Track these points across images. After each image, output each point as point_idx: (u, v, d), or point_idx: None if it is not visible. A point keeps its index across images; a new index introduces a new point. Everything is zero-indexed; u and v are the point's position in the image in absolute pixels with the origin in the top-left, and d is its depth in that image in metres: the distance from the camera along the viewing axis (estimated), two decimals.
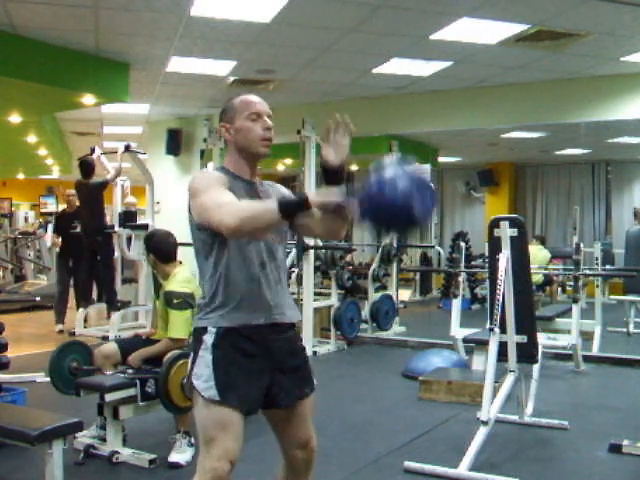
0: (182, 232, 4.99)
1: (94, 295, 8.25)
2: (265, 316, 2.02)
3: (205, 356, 1.98)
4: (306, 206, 1.79)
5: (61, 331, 7.82)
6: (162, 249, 3.83)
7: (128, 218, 7.94)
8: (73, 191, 7.99)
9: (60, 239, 8.18)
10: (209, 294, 2.02)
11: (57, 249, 8.56)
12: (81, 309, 7.68)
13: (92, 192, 7.48)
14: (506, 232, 3.70)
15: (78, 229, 7.88)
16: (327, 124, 2.02)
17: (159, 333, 3.89)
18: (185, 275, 3.79)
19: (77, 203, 7.92)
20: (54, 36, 5.59)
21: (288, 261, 6.79)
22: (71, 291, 8.16)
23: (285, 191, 2.20)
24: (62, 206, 14.55)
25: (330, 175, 1.98)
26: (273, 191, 2.16)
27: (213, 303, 2.01)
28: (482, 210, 13.32)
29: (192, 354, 2.04)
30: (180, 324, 3.64)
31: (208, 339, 1.99)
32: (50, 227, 11.85)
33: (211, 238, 1.98)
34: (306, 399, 2.13)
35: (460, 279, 6.10)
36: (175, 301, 3.65)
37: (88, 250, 7.65)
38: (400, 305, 8.75)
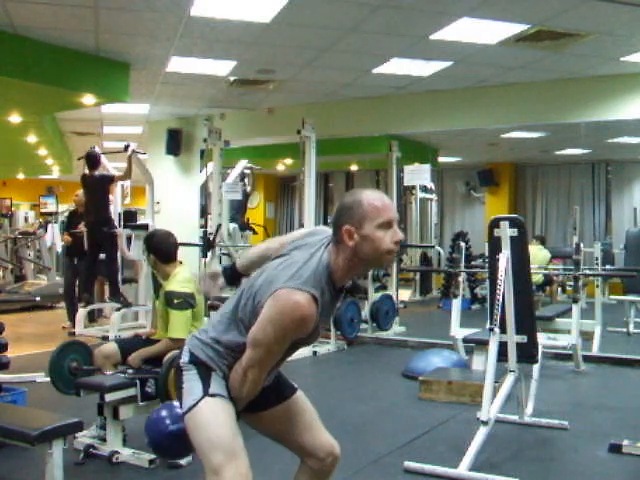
0: (182, 232, 5.02)
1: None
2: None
3: (190, 375, 1.94)
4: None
5: (64, 327, 7.87)
6: (162, 249, 3.83)
7: (128, 218, 7.95)
8: (80, 192, 8.00)
9: (70, 237, 8.23)
10: (226, 348, 1.94)
11: (59, 247, 8.56)
12: (81, 309, 7.68)
13: (97, 184, 7.47)
14: (506, 232, 3.70)
15: (79, 227, 7.90)
16: None
17: (159, 333, 3.89)
18: (185, 275, 3.79)
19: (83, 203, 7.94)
20: (54, 36, 5.59)
21: None
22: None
23: None
24: (62, 206, 14.62)
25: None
26: None
27: (221, 355, 1.95)
28: (482, 210, 13.33)
29: (178, 386, 1.99)
30: (180, 324, 3.64)
31: (191, 368, 1.95)
32: (50, 227, 11.87)
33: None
34: (291, 398, 2.10)
35: (460, 279, 6.10)
36: (175, 301, 3.66)
37: (91, 244, 7.63)
38: (400, 305, 8.75)
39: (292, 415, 2.09)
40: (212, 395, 1.89)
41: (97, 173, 7.54)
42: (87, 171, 7.57)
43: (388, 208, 1.87)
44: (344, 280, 1.91)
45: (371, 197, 1.88)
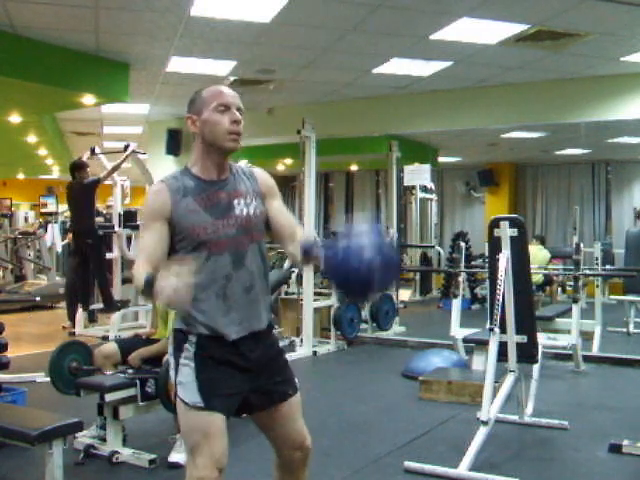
0: None
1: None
2: (236, 330, 1.98)
3: (188, 364, 1.97)
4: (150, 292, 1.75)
5: (64, 327, 7.87)
6: None
7: (128, 218, 7.94)
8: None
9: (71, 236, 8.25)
10: None
11: (59, 247, 8.57)
12: (81, 310, 7.69)
13: (84, 192, 7.35)
14: (506, 232, 3.70)
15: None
16: None
17: (160, 332, 3.89)
18: None
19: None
20: (54, 36, 5.59)
21: (288, 261, 6.80)
22: None
23: (263, 176, 2.12)
24: (62, 206, 14.61)
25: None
26: (247, 182, 2.07)
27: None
28: (482, 210, 13.34)
29: (173, 360, 2.01)
30: None
31: (189, 347, 1.97)
32: (50, 227, 11.86)
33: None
34: (289, 399, 2.10)
35: (460, 279, 6.10)
36: None
37: (79, 253, 7.56)
38: (400, 305, 8.75)
39: (286, 414, 2.10)
40: (180, 385, 1.97)
41: (84, 181, 7.37)
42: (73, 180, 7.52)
43: (225, 93, 2.02)
44: (207, 170, 2.01)
45: (211, 87, 2.05)
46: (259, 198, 2.07)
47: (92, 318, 7.85)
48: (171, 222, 1.95)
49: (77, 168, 7.44)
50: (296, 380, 2.16)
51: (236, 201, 2.02)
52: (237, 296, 1.98)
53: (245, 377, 2.01)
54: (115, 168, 7.41)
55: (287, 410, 2.09)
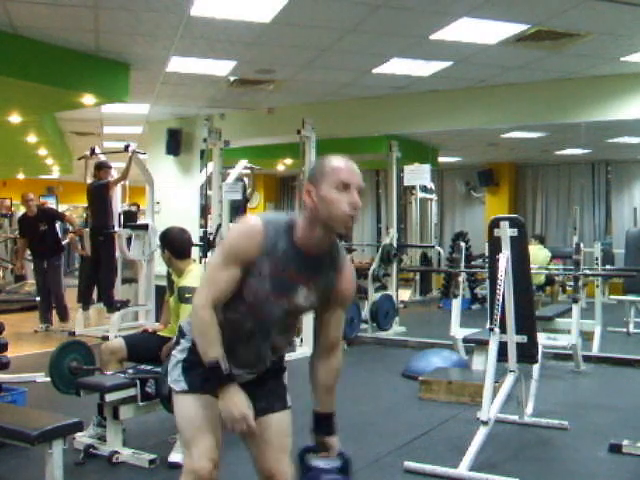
0: None
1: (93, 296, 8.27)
2: (242, 372, 1.98)
3: (177, 356, 2.04)
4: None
5: (36, 331, 7.88)
6: (177, 245, 3.86)
7: (128, 218, 7.96)
8: (31, 195, 8.23)
9: (28, 241, 8.35)
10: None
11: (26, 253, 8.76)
12: (80, 310, 7.69)
13: (96, 193, 7.61)
14: (506, 232, 3.70)
15: (43, 227, 8.02)
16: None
17: (171, 328, 3.89)
18: (199, 272, 3.80)
19: (34, 209, 8.14)
20: (54, 36, 5.59)
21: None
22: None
23: (348, 284, 2.03)
24: (62, 206, 14.64)
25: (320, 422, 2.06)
26: (329, 275, 1.96)
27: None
28: (482, 210, 13.33)
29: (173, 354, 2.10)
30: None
31: (185, 343, 2.04)
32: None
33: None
34: (273, 415, 2.04)
35: (460, 279, 6.10)
36: (187, 295, 3.63)
37: (93, 251, 7.71)
38: (400, 305, 8.75)
39: (267, 432, 2.02)
40: (175, 386, 2.03)
41: (95, 182, 7.66)
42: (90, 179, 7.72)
43: (348, 170, 1.83)
44: (307, 243, 1.87)
45: (334, 159, 1.86)
46: (324, 297, 1.98)
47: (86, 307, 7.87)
48: (246, 265, 1.88)
49: (96, 168, 7.74)
50: (288, 398, 2.11)
51: (301, 287, 1.93)
52: (247, 357, 2.00)
53: None
54: (125, 173, 7.59)
55: (268, 428, 2.01)
